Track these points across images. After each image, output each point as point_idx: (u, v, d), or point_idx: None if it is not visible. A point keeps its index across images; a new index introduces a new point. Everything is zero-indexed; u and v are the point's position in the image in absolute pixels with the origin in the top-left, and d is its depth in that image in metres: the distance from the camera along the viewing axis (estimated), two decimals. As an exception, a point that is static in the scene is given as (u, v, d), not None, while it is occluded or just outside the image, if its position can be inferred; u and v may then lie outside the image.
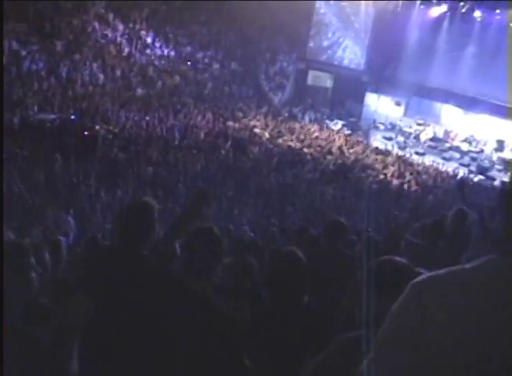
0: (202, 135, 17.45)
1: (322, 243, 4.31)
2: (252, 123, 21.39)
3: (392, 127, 26.33)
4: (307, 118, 25.44)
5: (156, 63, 23.07)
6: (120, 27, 22.33)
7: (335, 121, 26.28)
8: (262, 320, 2.15)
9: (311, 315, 2.24)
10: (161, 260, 2.48)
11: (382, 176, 18.45)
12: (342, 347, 1.61)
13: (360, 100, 27.63)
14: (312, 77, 29.44)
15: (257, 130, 20.50)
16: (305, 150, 19.72)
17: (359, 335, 1.52)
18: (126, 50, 22.19)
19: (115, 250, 2.50)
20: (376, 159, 20.47)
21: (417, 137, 24.82)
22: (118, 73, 20.55)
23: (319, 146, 20.59)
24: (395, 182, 18.29)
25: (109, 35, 21.60)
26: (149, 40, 23.77)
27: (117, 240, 2.61)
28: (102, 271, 2.35)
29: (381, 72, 26.74)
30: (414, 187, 17.89)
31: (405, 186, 17.84)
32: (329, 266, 3.42)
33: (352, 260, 3.76)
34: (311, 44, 28.76)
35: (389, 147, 23.33)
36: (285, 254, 2.47)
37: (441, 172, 20.42)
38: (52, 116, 14.48)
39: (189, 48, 25.35)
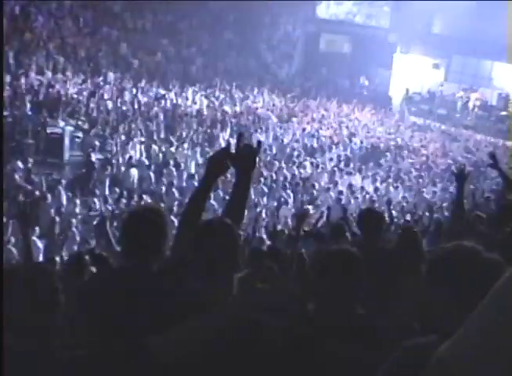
0: (194, 125, 17.49)
1: (358, 240, 4.42)
2: (255, 105, 21.45)
3: (431, 96, 26.36)
4: (323, 93, 25.46)
5: (130, 38, 23.20)
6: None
7: (358, 93, 26.35)
8: (311, 339, 2.18)
9: (368, 328, 2.26)
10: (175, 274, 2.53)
11: (423, 158, 18.46)
12: (409, 354, 1.62)
13: (387, 66, 27.63)
14: (326, 41, 29.55)
15: (261, 112, 20.56)
16: (324, 132, 19.77)
17: (429, 340, 1.54)
18: (90, 23, 22.36)
19: (125, 270, 2.59)
20: (413, 136, 20.50)
21: (464, 106, 24.85)
22: (82, 53, 20.69)
23: (341, 125, 20.63)
24: (440, 161, 18.31)
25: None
26: (117, 9, 23.94)
27: (121, 257, 2.65)
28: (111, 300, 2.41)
29: (412, 27, 26.66)
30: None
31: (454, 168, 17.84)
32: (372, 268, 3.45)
33: (398, 257, 3.81)
34: (321, -1, 28.89)
35: (428, 121, 23.38)
36: (338, 253, 2.48)
37: (497, 147, 20.40)
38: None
39: (169, 18, 25.47)
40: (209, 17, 26.96)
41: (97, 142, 14.65)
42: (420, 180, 16.76)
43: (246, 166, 2.83)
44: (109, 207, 11.52)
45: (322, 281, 2.43)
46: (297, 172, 15.83)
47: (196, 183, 13.63)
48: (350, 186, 15.32)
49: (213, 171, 2.89)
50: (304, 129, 19.61)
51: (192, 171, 14.80)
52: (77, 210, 11.47)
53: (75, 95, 17.18)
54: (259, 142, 2.98)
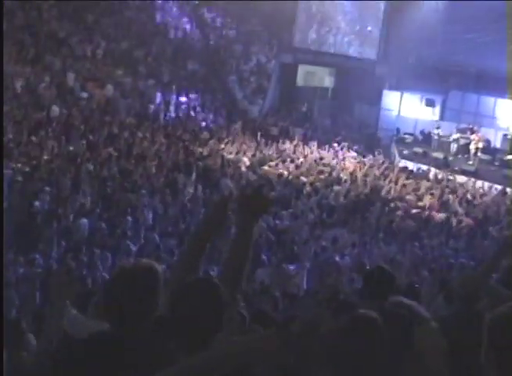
0: (153, 169, 17.81)
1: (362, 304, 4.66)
2: (223, 146, 21.89)
3: (425, 137, 27.08)
4: (299, 133, 26.07)
5: (78, 66, 23.67)
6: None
7: (341, 135, 26.96)
8: None
9: None
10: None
11: (416, 210, 18.97)
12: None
13: (375, 102, 28.49)
14: (304, 74, 30.37)
15: (231, 156, 20.97)
16: (303, 178, 20.20)
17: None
18: (31, 51, 22.82)
19: (104, 339, 2.70)
20: (405, 185, 21.03)
21: (463, 149, 25.39)
22: (19, 84, 21.03)
23: (322, 172, 21.11)
24: (438, 216, 18.81)
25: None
26: (62, 33, 24.47)
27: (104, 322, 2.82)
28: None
29: (403, 59, 27.63)
30: (466, 222, 18.42)
31: (454, 222, 18.36)
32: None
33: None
34: (299, 26, 29.80)
35: (423, 167, 23.97)
36: (361, 320, 2.74)
37: (503, 198, 21.01)
38: None
39: (124, 44, 26.08)
40: (170, 45, 27.65)
41: (41, 188, 14.81)
42: (414, 234, 17.21)
43: (254, 211, 3.05)
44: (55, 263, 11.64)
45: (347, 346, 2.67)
46: (272, 224, 16.11)
47: (156, 236, 13.91)
48: (334, 240, 15.65)
49: (215, 217, 3.08)
50: (280, 175, 20.02)
51: (151, 221, 15.03)
52: (18, 267, 11.55)
53: (12, 134, 17.46)
54: (268, 183, 3.20)
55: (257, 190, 3.08)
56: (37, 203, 14.29)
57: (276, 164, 21.15)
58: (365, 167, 22.41)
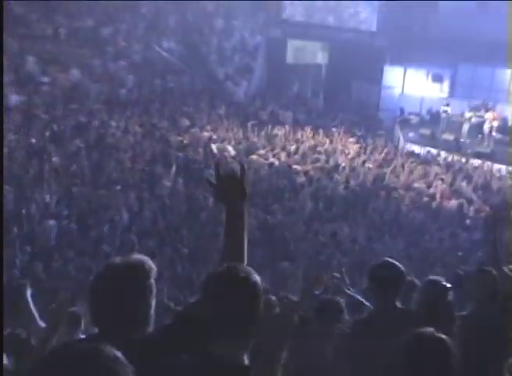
0: (128, 162, 17.83)
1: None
2: (206, 134, 21.91)
3: (432, 117, 27.16)
4: (290, 118, 26.11)
5: (38, 48, 23.58)
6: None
7: (338, 117, 27.01)
8: None
9: None
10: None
11: (425, 199, 19.08)
12: None
13: (375, 80, 28.55)
14: (294, 50, 30.39)
15: (214, 145, 20.99)
16: (297, 167, 20.27)
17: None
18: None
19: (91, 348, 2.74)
20: (412, 172, 21.11)
21: (476, 129, 25.46)
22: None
23: (318, 160, 21.17)
24: (449, 204, 18.93)
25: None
26: (19, 10, 24.37)
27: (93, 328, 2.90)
28: None
29: (406, 29, 27.64)
30: (481, 210, 18.53)
31: (468, 210, 18.47)
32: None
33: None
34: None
35: (431, 151, 24.05)
36: (427, 340, 2.81)
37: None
38: None
39: (90, 22, 26.01)
40: (142, 21, 27.60)
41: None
42: (424, 226, 17.33)
43: (231, 199, 3.10)
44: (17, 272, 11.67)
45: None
46: (265, 220, 16.18)
47: (133, 237, 13.95)
48: (334, 235, 15.75)
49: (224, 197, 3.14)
50: (270, 164, 20.08)
51: (127, 221, 15.07)
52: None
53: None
54: (242, 167, 3.22)
55: (229, 174, 3.09)
56: (-4, 204, 14.33)
57: (266, 153, 21.18)
58: (366, 153, 22.48)
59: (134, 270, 2.81)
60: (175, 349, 2.70)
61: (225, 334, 2.63)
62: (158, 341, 2.81)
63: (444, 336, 2.87)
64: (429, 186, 20.06)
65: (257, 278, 2.70)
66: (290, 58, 30.35)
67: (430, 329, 2.92)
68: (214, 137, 21.67)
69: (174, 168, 17.93)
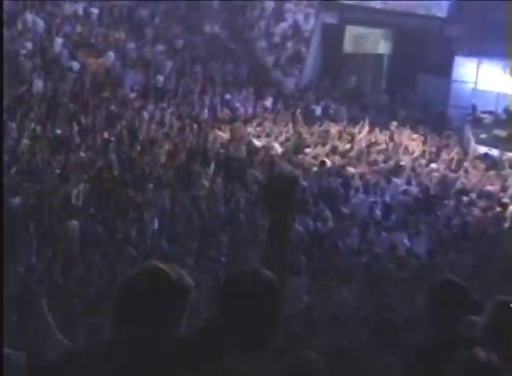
0: (162, 158, 17.87)
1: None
2: (250, 129, 21.88)
3: (510, 117, 26.69)
4: (346, 113, 25.96)
5: (67, 29, 23.80)
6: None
7: (400, 114, 26.76)
8: None
9: None
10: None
11: (499, 208, 18.77)
12: None
13: (444, 73, 28.22)
14: (353, 37, 30.18)
15: (258, 141, 20.96)
16: (351, 169, 20.14)
17: None
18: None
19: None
20: (484, 177, 20.80)
21: None
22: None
23: (376, 161, 21.01)
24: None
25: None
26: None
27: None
28: None
29: (482, 16, 27.22)
30: None
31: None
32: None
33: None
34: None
35: (508, 154, 23.66)
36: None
37: None
38: None
39: (125, 1, 26.17)
40: (184, 2, 27.67)
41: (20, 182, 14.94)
42: (496, 239, 17.02)
43: (278, 206, 3.16)
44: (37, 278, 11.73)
45: None
46: (315, 228, 16.10)
47: (164, 242, 13.96)
48: (391, 247, 15.59)
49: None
50: (322, 163, 19.96)
51: (158, 224, 15.08)
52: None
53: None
54: (296, 179, 3.45)
55: (282, 182, 3.17)
56: (15, 200, 14.43)
57: (317, 152, 21.08)
58: (431, 154, 22.24)
59: (155, 277, 2.89)
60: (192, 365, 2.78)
61: (241, 345, 2.69)
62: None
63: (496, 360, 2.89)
64: (503, 194, 19.74)
65: (279, 285, 2.79)
66: (347, 46, 30.11)
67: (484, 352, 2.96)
68: (259, 132, 21.62)
69: (212, 166, 17.92)
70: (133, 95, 22.02)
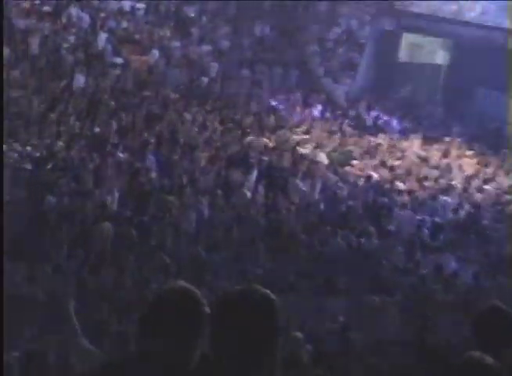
0: (202, 161, 17.94)
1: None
2: (296, 136, 21.86)
3: None
4: (397, 125, 25.80)
5: (112, 24, 24.02)
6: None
7: (455, 128, 26.53)
8: None
9: None
10: None
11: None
12: None
13: (503, 88, 27.90)
14: (409, 46, 30.06)
15: (305, 149, 20.93)
16: (399, 184, 20.02)
17: None
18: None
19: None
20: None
21: None
22: (34, 44, 21.49)
23: (426, 177, 20.87)
24: None
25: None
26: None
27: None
28: None
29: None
30: None
31: None
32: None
33: None
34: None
35: None
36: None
37: None
38: None
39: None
40: (232, 2, 27.72)
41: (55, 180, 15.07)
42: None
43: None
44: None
45: None
46: (356, 243, 16.04)
47: (200, 250, 14.01)
48: (438, 269, 15.49)
49: None
50: (368, 177, 19.89)
51: (195, 231, 15.13)
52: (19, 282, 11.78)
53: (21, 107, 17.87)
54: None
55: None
56: (50, 198, 14.57)
57: (364, 164, 21.01)
58: (487, 173, 22.04)
59: (184, 297, 2.94)
60: None
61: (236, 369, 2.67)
62: None
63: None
64: None
65: (278, 304, 2.74)
66: (403, 55, 30.01)
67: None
68: (305, 141, 21.59)
69: (255, 174, 17.92)
70: (175, 95, 22.07)
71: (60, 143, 16.86)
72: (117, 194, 15.31)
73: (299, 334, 9.41)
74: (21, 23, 22.02)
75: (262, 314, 2.72)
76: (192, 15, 26.63)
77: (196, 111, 21.29)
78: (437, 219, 18.55)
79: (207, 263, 13.55)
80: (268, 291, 2.78)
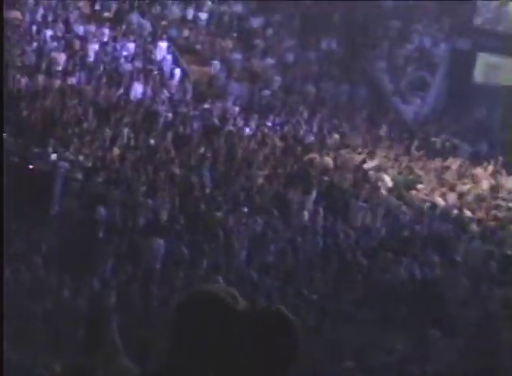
0: (260, 180, 17.95)
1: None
2: (359, 157, 21.75)
3: None
4: (468, 150, 25.51)
5: (173, 32, 24.26)
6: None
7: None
8: None
9: None
10: None
11: None
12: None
13: None
14: (485, 66, 29.73)
15: (368, 171, 20.82)
16: (468, 212, 19.79)
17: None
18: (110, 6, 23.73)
19: None
20: None
21: None
22: (92, 50, 21.84)
23: (498, 206, 20.60)
24: None
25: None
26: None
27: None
28: None
29: None
30: None
31: None
32: None
33: None
34: None
35: None
36: None
37: None
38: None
39: (238, 7, 26.46)
40: (299, 12, 27.79)
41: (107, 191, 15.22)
42: None
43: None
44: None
45: None
46: (418, 272, 15.91)
47: (253, 272, 13.98)
48: (506, 304, 15.27)
49: None
50: (435, 204, 19.72)
51: (248, 251, 15.13)
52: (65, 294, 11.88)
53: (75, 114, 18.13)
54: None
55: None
56: (100, 210, 14.71)
57: (431, 189, 20.82)
58: None
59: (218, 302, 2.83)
60: None
61: None
62: None
63: None
64: None
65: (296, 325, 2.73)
66: (478, 76, 29.69)
67: None
68: (369, 162, 21.47)
69: (314, 194, 17.87)
70: (235, 109, 22.15)
71: (114, 154, 17.05)
72: (169, 208, 15.38)
73: (351, 364, 9.34)
74: (80, 29, 22.37)
75: (277, 334, 2.71)
76: (257, 26, 26.72)
77: (256, 126, 21.34)
78: (508, 252, 18.30)
79: (259, 285, 13.53)
80: (285, 313, 2.74)
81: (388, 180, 20.70)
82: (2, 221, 10.02)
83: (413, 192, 20.33)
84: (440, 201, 19.92)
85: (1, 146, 13.94)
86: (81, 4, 23.43)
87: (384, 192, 19.89)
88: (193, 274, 13.70)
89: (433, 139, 25.72)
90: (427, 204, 19.61)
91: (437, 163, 22.91)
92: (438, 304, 14.76)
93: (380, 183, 20.16)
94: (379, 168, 21.27)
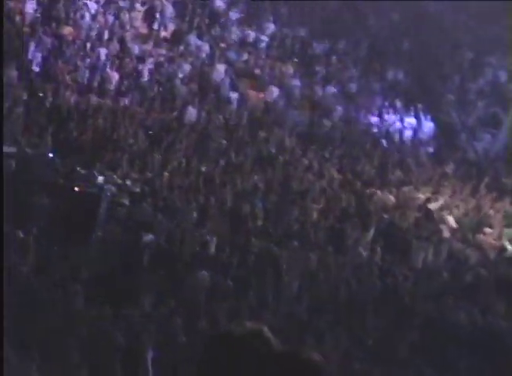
0: (315, 214, 17.92)
1: None
2: (422, 195, 21.61)
3: None
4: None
5: (231, 55, 24.48)
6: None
7: None
8: None
9: None
10: None
11: None
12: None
13: None
14: None
15: (431, 210, 20.66)
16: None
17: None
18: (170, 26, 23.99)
19: None
20: None
21: None
22: (145, 70, 22.13)
23: None
24: None
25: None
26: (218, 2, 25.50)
27: None
28: None
29: None
30: None
31: None
32: None
33: None
34: None
35: None
36: None
37: None
38: (10, 149, 15.55)
39: (302, 31, 26.61)
40: (366, 38, 27.85)
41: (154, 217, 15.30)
42: None
43: None
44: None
45: None
46: (481, 320, 15.70)
47: (303, 311, 13.90)
48: None
49: None
50: (503, 249, 19.51)
51: (299, 289, 15.07)
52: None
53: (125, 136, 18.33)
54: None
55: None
56: (147, 237, 14.78)
57: (500, 234, 20.60)
58: None
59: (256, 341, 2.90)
60: None
61: None
62: None
63: None
64: None
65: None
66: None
67: None
68: (433, 201, 21.32)
69: (372, 232, 17.79)
70: (292, 138, 22.17)
71: (163, 180, 17.18)
72: (216, 240, 15.42)
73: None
74: (136, 48, 22.67)
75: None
76: (320, 52, 26.80)
77: (314, 157, 21.34)
78: None
79: (308, 325, 13.46)
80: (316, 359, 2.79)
81: (452, 221, 20.51)
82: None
83: (481, 236, 20.09)
84: (509, 247, 19.70)
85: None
86: (137, 23, 23.77)
87: (447, 233, 19.71)
88: (238, 309, 13.65)
89: (503, 178, 25.47)
90: (496, 249, 19.40)
91: (508, 205, 22.67)
92: (501, 355, 14.54)
93: (442, 225, 19.99)
94: (443, 208, 21.11)
